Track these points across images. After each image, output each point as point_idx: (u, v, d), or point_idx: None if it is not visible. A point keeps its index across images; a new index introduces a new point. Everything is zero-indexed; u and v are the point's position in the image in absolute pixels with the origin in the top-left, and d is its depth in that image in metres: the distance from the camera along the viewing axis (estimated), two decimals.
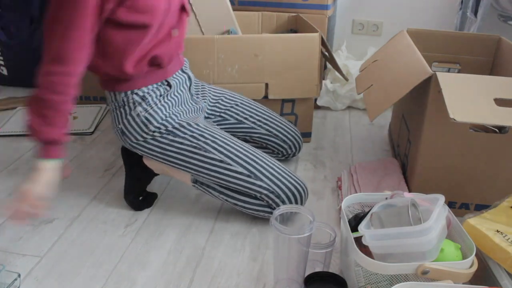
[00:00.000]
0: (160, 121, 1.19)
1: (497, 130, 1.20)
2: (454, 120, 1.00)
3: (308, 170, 1.53)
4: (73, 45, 1.02)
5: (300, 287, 1.00)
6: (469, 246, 0.93)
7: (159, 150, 1.20)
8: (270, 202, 1.19)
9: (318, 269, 1.02)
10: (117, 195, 1.38)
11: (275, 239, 0.96)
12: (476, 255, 0.91)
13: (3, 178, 1.47)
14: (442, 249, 0.92)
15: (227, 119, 1.40)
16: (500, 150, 1.18)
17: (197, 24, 1.62)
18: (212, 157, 1.18)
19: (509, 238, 0.93)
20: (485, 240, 0.94)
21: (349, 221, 1.03)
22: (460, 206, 1.26)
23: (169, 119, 1.20)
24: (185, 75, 1.28)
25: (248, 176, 1.18)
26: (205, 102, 1.37)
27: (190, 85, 1.31)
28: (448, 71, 1.65)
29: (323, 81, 1.98)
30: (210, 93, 1.40)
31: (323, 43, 1.56)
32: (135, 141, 1.20)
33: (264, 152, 1.44)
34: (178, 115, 1.22)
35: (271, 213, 0.99)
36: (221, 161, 1.18)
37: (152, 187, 1.38)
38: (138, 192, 1.32)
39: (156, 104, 1.19)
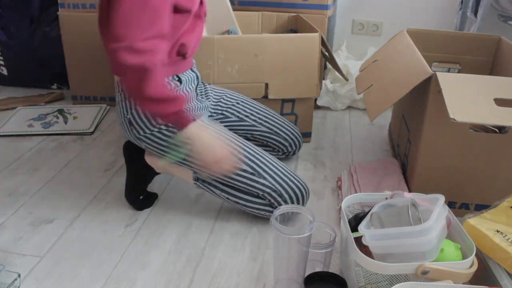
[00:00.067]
0: None
1: (497, 130, 1.20)
2: (454, 120, 1.00)
3: (308, 170, 1.53)
4: (162, 21, 1.02)
5: (300, 287, 1.00)
6: (469, 246, 0.93)
7: (163, 143, 1.20)
8: (272, 201, 1.19)
9: (318, 269, 1.02)
10: (117, 195, 1.38)
11: (275, 239, 0.96)
12: (476, 255, 0.91)
13: (3, 178, 1.47)
14: (442, 249, 0.92)
15: (228, 117, 1.41)
16: (500, 150, 1.18)
17: None
18: None
19: (509, 238, 0.93)
20: (485, 240, 0.94)
21: (349, 221, 1.03)
22: (460, 206, 1.26)
23: None
24: (194, 74, 1.28)
25: (252, 174, 1.18)
26: (208, 101, 1.37)
27: (197, 84, 1.32)
28: (448, 71, 1.65)
29: (323, 81, 1.98)
30: (211, 92, 1.40)
31: (323, 43, 1.56)
32: (142, 133, 1.20)
33: (265, 150, 1.45)
34: (186, 109, 1.23)
35: (273, 212, 0.99)
36: None
37: (152, 187, 1.38)
38: (139, 191, 1.32)
39: None
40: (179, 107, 1.06)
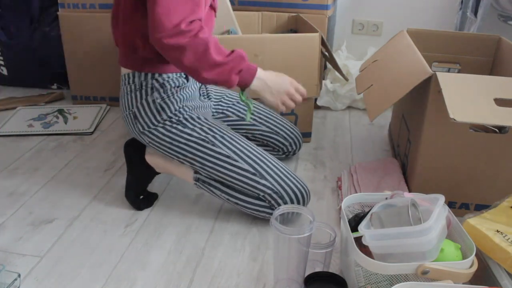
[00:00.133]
0: (174, 111, 1.20)
1: (497, 130, 1.20)
2: (454, 120, 1.00)
3: (308, 170, 1.53)
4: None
5: (300, 287, 1.00)
6: (469, 246, 0.93)
7: (167, 139, 1.21)
8: (273, 202, 1.19)
9: (318, 269, 1.02)
10: (117, 195, 1.38)
11: (275, 239, 0.96)
12: (476, 255, 0.91)
13: (3, 178, 1.47)
14: (442, 249, 0.92)
15: (229, 116, 1.41)
16: (500, 150, 1.18)
17: None
18: (219, 151, 1.19)
19: (509, 238, 0.93)
20: (485, 240, 0.94)
21: (349, 221, 1.03)
22: (460, 206, 1.26)
23: (181, 110, 1.21)
24: None
25: (254, 174, 1.19)
26: (210, 101, 1.38)
27: (200, 85, 1.33)
28: (448, 71, 1.65)
29: (323, 81, 1.98)
30: (212, 92, 1.41)
31: (323, 43, 1.56)
32: (146, 128, 1.21)
33: (265, 149, 1.45)
34: (190, 108, 1.24)
35: (272, 214, 0.99)
36: (227, 157, 1.19)
37: (152, 187, 1.38)
38: (139, 191, 1.32)
39: (173, 94, 1.20)
40: (245, 60, 1.10)
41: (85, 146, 1.69)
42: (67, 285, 1.05)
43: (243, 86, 1.13)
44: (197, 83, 1.30)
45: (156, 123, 1.20)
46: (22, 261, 1.11)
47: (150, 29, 1.05)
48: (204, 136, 1.20)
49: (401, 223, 0.92)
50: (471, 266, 0.90)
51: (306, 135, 1.70)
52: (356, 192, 1.29)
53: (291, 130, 1.49)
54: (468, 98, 1.06)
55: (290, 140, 1.49)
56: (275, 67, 1.53)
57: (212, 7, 1.23)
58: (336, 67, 1.66)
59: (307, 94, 1.58)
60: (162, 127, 1.20)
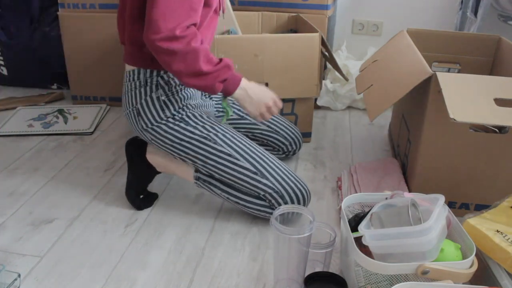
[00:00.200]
0: (177, 108, 1.21)
1: (497, 130, 1.20)
2: (454, 120, 1.00)
3: (308, 170, 1.53)
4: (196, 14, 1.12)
5: (300, 287, 1.00)
6: (469, 246, 0.93)
7: (169, 137, 1.21)
8: (273, 202, 1.20)
9: (318, 269, 1.02)
10: (117, 195, 1.38)
11: (275, 239, 0.96)
12: (476, 255, 0.91)
13: (3, 178, 1.47)
14: (442, 249, 0.92)
15: (242, 109, 1.41)
16: (500, 150, 1.18)
17: None
18: (221, 149, 1.19)
19: (509, 238, 0.93)
20: (485, 240, 0.94)
21: (349, 221, 1.03)
22: (460, 206, 1.26)
23: (185, 108, 1.22)
24: None
25: (255, 173, 1.19)
26: (211, 100, 1.38)
27: None
28: (448, 71, 1.65)
29: (323, 81, 1.98)
30: None
31: (323, 43, 1.56)
32: (149, 124, 1.21)
33: (265, 149, 1.45)
34: (193, 106, 1.25)
35: (272, 213, 0.99)
36: (229, 155, 1.19)
37: (152, 187, 1.38)
38: (140, 190, 1.33)
39: (178, 92, 1.22)
40: (231, 69, 1.14)
41: (85, 146, 1.69)
42: (67, 285, 1.05)
43: (226, 94, 1.17)
44: None
45: (159, 120, 1.20)
46: (22, 261, 1.11)
47: (145, 28, 1.07)
48: (206, 134, 1.20)
49: (401, 223, 0.92)
50: (471, 266, 0.90)
51: (306, 135, 1.70)
52: (356, 192, 1.29)
53: (291, 129, 1.49)
54: (468, 98, 1.06)
55: (290, 140, 1.49)
56: (275, 67, 1.54)
57: (215, 11, 1.23)
58: (336, 67, 1.66)
59: (307, 94, 1.60)
60: (165, 125, 1.21)
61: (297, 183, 1.21)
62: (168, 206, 1.33)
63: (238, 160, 1.19)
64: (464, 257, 0.94)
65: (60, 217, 1.28)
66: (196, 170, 1.27)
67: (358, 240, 0.94)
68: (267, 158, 1.21)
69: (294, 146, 1.51)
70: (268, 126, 1.44)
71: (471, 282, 0.90)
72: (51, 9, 2.04)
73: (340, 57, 2.13)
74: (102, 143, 1.71)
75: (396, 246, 0.89)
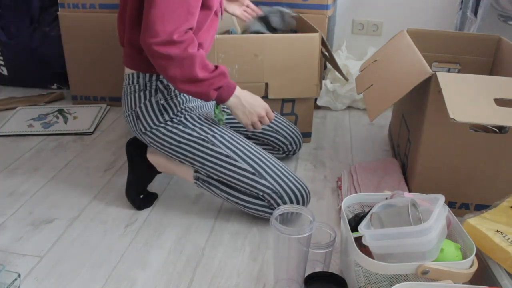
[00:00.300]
0: (176, 112, 1.21)
1: (497, 130, 1.20)
2: (454, 120, 1.00)
3: (308, 170, 1.53)
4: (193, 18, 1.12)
5: (300, 287, 1.00)
6: (469, 246, 0.93)
7: (168, 139, 1.21)
8: (272, 202, 1.20)
9: (318, 269, 1.02)
10: (117, 195, 1.38)
11: (275, 239, 0.96)
12: (476, 255, 0.91)
13: (3, 178, 1.47)
14: (442, 249, 0.92)
15: (229, 114, 1.41)
16: (500, 150, 1.18)
17: None
18: (219, 151, 1.19)
19: (509, 238, 0.93)
20: (485, 240, 0.94)
21: (349, 221, 1.03)
22: (460, 206, 1.26)
23: (183, 110, 1.22)
24: None
25: (253, 174, 1.19)
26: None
27: None
28: (448, 71, 1.65)
29: (323, 81, 1.98)
30: None
31: (323, 43, 1.56)
32: (148, 128, 1.21)
33: (265, 148, 1.45)
34: (192, 108, 1.25)
35: (272, 213, 0.99)
36: (227, 156, 1.19)
37: (152, 187, 1.38)
38: (140, 190, 1.33)
39: (176, 96, 1.22)
40: (226, 77, 1.14)
41: (85, 146, 1.69)
42: (67, 285, 1.05)
43: (220, 101, 1.17)
44: None
45: (158, 123, 1.21)
46: (22, 261, 1.11)
47: (142, 31, 1.07)
48: (204, 136, 1.20)
49: (401, 223, 0.92)
50: (471, 266, 0.90)
51: (306, 135, 1.70)
52: (356, 192, 1.29)
53: (291, 129, 1.49)
54: (468, 98, 1.06)
55: (290, 139, 1.49)
56: (275, 67, 1.54)
57: (215, 14, 1.24)
58: (336, 67, 1.66)
59: (307, 94, 1.60)
60: (164, 127, 1.21)
61: (296, 183, 1.21)
62: (168, 206, 1.33)
63: (236, 161, 1.19)
64: (464, 257, 0.94)
65: (60, 217, 1.28)
66: (196, 170, 1.27)
67: (358, 240, 0.94)
68: (265, 158, 1.21)
69: (294, 146, 1.51)
70: (268, 125, 1.44)
71: (471, 282, 0.90)
72: (51, 9, 2.04)
73: (340, 57, 2.13)
74: (102, 143, 1.71)
75: (396, 246, 0.89)
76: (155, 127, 1.21)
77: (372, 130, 1.84)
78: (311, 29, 1.61)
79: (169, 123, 1.21)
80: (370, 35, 2.25)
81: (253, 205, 1.22)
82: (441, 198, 0.94)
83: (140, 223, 1.26)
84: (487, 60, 1.61)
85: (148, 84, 1.20)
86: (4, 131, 1.77)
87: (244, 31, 1.70)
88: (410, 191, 1.28)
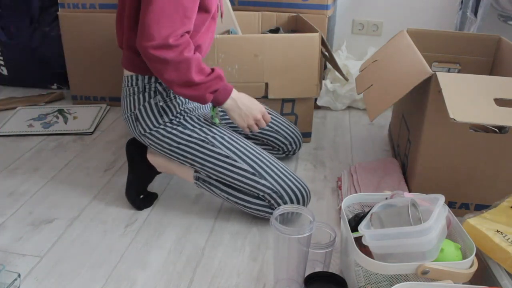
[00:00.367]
0: (175, 113, 1.21)
1: (497, 130, 1.20)
2: (454, 120, 1.00)
3: (308, 170, 1.53)
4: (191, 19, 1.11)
5: (300, 287, 1.00)
6: (469, 246, 0.93)
7: (168, 141, 1.21)
8: (273, 202, 1.20)
9: (318, 269, 1.02)
10: (117, 195, 1.38)
11: (275, 239, 0.96)
12: (476, 255, 0.91)
13: (3, 178, 1.47)
14: (442, 249, 0.92)
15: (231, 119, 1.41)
16: (500, 150, 1.18)
17: None
18: (219, 152, 1.19)
19: (509, 238, 0.93)
20: (485, 240, 0.94)
21: (349, 221, 1.03)
22: (460, 206, 1.26)
23: (182, 112, 1.22)
24: None
25: (253, 174, 1.19)
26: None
27: None
28: (448, 71, 1.65)
29: (323, 81, 1.98)
30: None
31: (323, 43, 1.56)
32: (147, 130, 1.21)
33: (265, 148, 1.45)
34: (191, 109, 1.25)
35: (272, 213, 0.99)
36: (227, 157, 1.19)
37: (152, 187, 1.38)
38: (140, 190, 1.33)
39: (176, 98, 1.22)
40: (222, 80, 1.14)
41: (85, 146, 1.69)
42: (67, 285, 1.05)
43: (216, 104, 1.17)
44: None
45: (157, 125, 1.21)
46: (22, 261, 1.11)
47: (139, 34, 1.07)
48: (204, 137, 1.20)
49: (401, 223, 0.92)
50: (471, 266, 0.90)
51: (306, 135, 1.70)
52: (356, 192, 1.29)
53: (291, 129, 1.49)
54: (468, 98, 1.06)
55: (290, 139, 1.49)
56: (275, 67, 1.54)
57: (213, 17, 1.24)
58: (336, 67, 1.66)
59: (307, 94, 1.60)
60: (163, 129, 1.21)
61: (296, 183, 1.21)
62: (168, 206, 1.33)
63: (236, 161, 1.19)
64: (464, 257, 0.94)
65: (60, 217, 1.28)
66: (196, 171, 1.27)
67: (358, 240, 0.94)
68: (265, 158, 1.21)
69: (294, 146, 1.51)
70: (268, 125, 1.44)
71: (471, 282, 0.90)
72: (51, 9, 2.04)
73: (340, 57, 2.13)
74: (102, 143, 1.71)
75: (396, 246, 0.89)
76: (154, 129, 1.21)
77: (372, 130, 1.84)
78: (311, 29, 1.61)
79: (168, 124, 1.21)
80: (370, 35, 2.25)
81: (253, 205, 1.22)
82: (441, 198, 0.94)
83: (140, 223, 1.26)
84: (487, 60, 1.61)
85: (147, 86, 1.20)
86: (4, 131, 1.77)
87: None
88: (410, 191, 1.28)
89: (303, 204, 1.22)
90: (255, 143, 1.42)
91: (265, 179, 1.19)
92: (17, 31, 2.08)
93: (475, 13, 1.78)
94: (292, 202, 1.20)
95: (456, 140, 1.18)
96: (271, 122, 1.45)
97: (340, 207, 1.07)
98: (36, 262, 1.11)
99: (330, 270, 1.04)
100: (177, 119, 1.21)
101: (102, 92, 2.03)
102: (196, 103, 1.28)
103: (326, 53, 1.64)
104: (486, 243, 0.94)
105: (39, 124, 1.83)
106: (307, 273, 0.98)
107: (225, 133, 1.22)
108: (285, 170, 1.22)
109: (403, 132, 1.47)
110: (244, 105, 1.20)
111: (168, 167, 1.31)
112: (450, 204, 1.25)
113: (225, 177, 1.21)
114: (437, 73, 1.12)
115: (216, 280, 1.06)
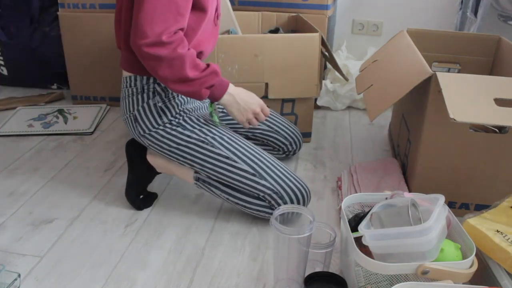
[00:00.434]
0: (174, 114, 1.21)
1: (497, 130, 1.20)
2: (454, 120, 1.00)
3: (308, 170, 1.53)
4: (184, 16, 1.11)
5: (300, 287, 1.00)
6: (469, 246, 0.93)
7: (167, 142, 1.21)
8: (273, 202, 1.20)
9: (318, 269, 1.02)
10: (117, 195, 1.38)
11: (275, 239, 0.96)
12: (476, 255, 0.91)
13: (3, 178, 1.47)
14: (442, 249, 0.92)
15: (229, 115, 1.41)
16: (500, 150, 1.18)
17: None
18: (219, 152, 1.19)
19: (509, 238, 0.93)
20: (485, 240, 0.94)
21: (349, 221, 1.03)
22: (460, 206, 1.26)
23: (181, 112, 1.22)
24: None
25: (253, 175, 1.19)
26: None
27: None
28: (448, 71, 1.65)
29: (323, 81, 1.98)
30: None
31: (323, 43, 1.56)
32: (147, 130, 1.21)
33: (265, 149, 1.45)
34: (190, 110, 1.24)
35: (272, 213, 0.99)
36: (227, 158, 1.19)
37: (152, 187, 1.38)
38: (140, 190, 1.33)
39: (174, 98, 1.22)
40: (218, 75, 1.14)
41: (85, 146, 1.69)
42: (67, 285, 1.05)
43: (213, 100, 1.17)
44: None
45: (156, 126, 1.20)
46: (22, 261, 1.11)
47: (132, 33, 1.06)
48: (204, 138, 1.20)
49: (401, 223, 0.92)
50: (471, 266, 0.90)
51: (306, 135, 1.70)
52: (356, 192, 1.29)
53: (291, 129, 1.49)
54: (468, 98, 1.06)
55: (290, 140, 1.49)
56: (275, 67, 1.54)
57: (215, 24, 1.24)
58: (336, 67, 1.66)
59: (307, 94, 1.60)
60: (162, 130, 1.21)
61: (296, 183, 1.21)
62: (168, 206, 1.33)
63: (236, 162, 1.19)
64: (464, 257, 0.94)
65: (60, 217, 1.28)
66: (196, 171, 1.27)
67: (358, 240, 0.94)
68: (265, 159, 1.21)
69: (294, 146, 1.51)
70: (268, 126, 1.44)
71: (471, 282, 0.90)
72: (51, 9, 2.04)
73: (340, 57, 2.13)
74: (102, 143, 1.71)
75: (396, 246, 0.89)
76: (153, 130, 1.21)
77: (372, 130, 1.84)
78: (311, 29, 1.61)
79: (167, 125, 1.21)
80: (370, 35, 2.25)
81: (253, 205, 1.22)
82: (441, 198, 0.94)
83: (140, 223, 1.26)
84: (487, 60, 1.61)
85: (145, 87, 1.20)
86: (4, 131, 1.77)
87: None
88: (410, 191, 1.28)
89: (303, 204, 1.22)
90: (255, 143, 1.42)
91: (265, 180, 1.19)
92: (17, 31, 2.08)
93: (475, 13, 1.78)
94: (292, 202, 1.20)
95: (456, 140, 1.18)
96: (271, 123, 1.45)
97: (340, 207, 1.07)
98: (36, 262, 1.11)
99: (330, 270, 1.04)
100: (177, 120, 1.21)
101: (102, 92, 2.03)
102: (195, 103, 1.28)
103: (326, 53, 1.64)
104: (486, 243, 0.94)
105: (39, 124, 1.83)
106: (307, 273, 0.98)
107: (224, 133, 1.22)
108: (285, 171, 1.22)
109: (403, 132, 1.47)
110: (242, 100, 1.19)
111: (168, 167, 1.31)
112: (450, 204, 1.25)
113: (225, 177, 1.21)
114: (437, 73, 1.12)
115: (216, 280, 1.06)
